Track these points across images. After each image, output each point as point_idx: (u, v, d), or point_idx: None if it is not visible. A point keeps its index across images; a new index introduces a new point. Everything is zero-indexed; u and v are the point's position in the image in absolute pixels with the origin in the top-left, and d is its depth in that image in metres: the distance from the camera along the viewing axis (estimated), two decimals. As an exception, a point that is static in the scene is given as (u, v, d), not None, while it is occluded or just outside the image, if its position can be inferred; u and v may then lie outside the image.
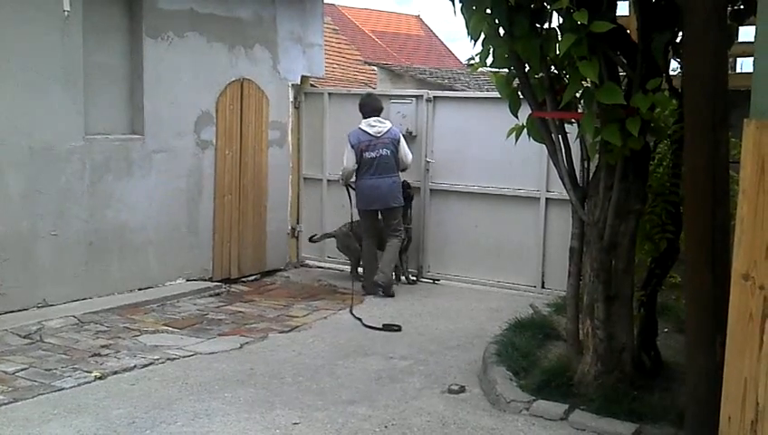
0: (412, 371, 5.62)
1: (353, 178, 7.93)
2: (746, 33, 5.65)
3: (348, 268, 8.48)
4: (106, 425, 4.51)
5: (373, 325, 6.76)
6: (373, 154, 7.75)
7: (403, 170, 8.03)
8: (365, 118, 7.89)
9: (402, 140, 7.95)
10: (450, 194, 8.34)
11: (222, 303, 7.55)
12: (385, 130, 7.84)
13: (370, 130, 7.80)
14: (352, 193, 8.06)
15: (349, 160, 7.82)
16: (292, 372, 5.52)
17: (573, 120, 4.91)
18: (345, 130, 8.11)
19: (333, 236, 8.49)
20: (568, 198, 5.09)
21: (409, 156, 7.99)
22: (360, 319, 6.96)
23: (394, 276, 8.07)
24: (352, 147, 7.78)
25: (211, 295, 7.74)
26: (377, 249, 8.01)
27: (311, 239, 8.78)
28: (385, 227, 8.00)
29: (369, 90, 11.58)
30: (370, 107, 7.94)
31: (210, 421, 4.61)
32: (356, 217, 8.12)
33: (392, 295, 7.79)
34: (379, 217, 7.97)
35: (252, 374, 5.46)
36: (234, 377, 5.39)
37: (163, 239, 7.76)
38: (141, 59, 7.45)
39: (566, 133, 4.97)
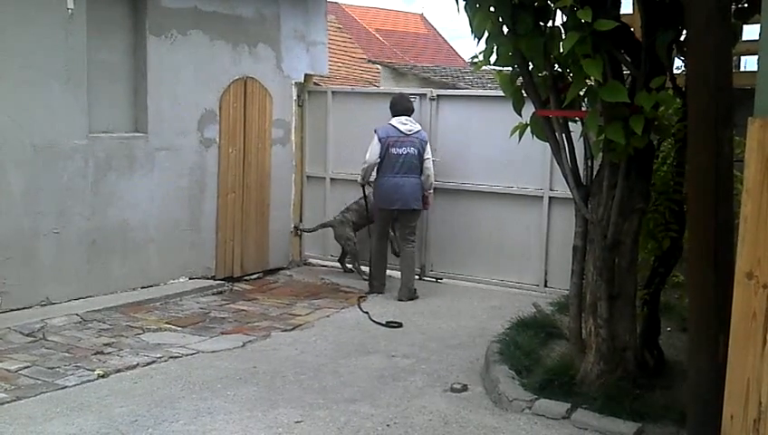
0: (414, 369, 5.62)
1: (373, 177, 7.81)
2: (750, 32, 5.64)
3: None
4: (108, 423, 4.52)
5: (378, 321, 6.83)
6: (401, 151, 7.62)
7: (429, 186, 7.84)
8: (395, 116, 7.77)
9: (429, 145, 7.81)
10: (453, 192, 8.32)
11: (225, 301, 7.55)
12: (416, 130, 7.73)
13: (402, 128, 7.68)
14: (369, 192, 8.01)
15: (372, 154, 7.67)
16: (295, 371, 5.52)
17: (577, 119, 4.90)
18: (349, 129, 8.10)
19: (330, 226, 8.45)
20: (571, 196, 5.08)
21: (431, 167, 7.76)
22: (367, 312, 7.05)
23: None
24: (380, 140, 7.64)
25: (214, 294, 7.75)
26: (386, 251, 7.98)
27: (303, 230, 8.92)
28: (400, 230, 7.91)
29: (372, 88, 11.56)
30: (402, 106, 7.84)
31: (212, 420, 4.61)
32: (368, 218, 8.14)
33: (416, 297, 7.74)
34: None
35: (254, 373, 5.46)
36: (236, 375, 5.39)
37: (166, 237, 7.77)
38: (145, 57, 7.46)
39: (570, 132, 4.96)
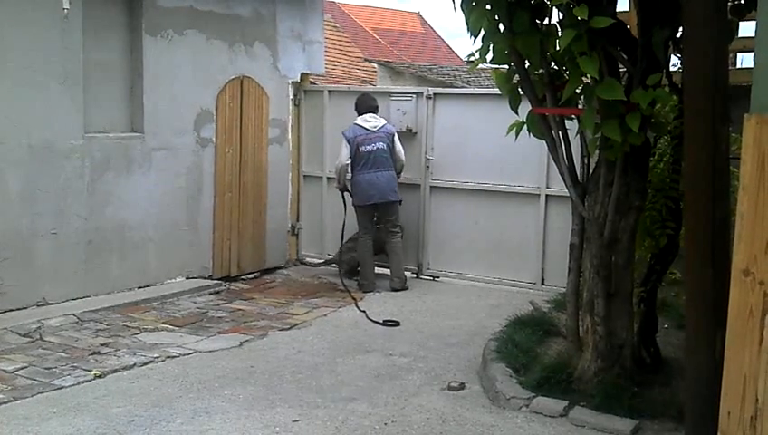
0: (412, 368, 5.62)
1: (349, 175, 7.97)
2: (746, 29, 5.64)
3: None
4: (105, 423, 4.51)
5: (375, 319, 6.84)
6: (370, 148, 7.82)
7: (400, 170, 8.06)
8: (360, 115, 7.97)
9: (396, 136, 8.01)
10: (450, 191, 8.32)
11: (222, 301, 7.54)
12: (380, 125, 7.93)
13: (366, 125, 7.88)
14: (347, 196, 8.13)
15: (343, 155, 7.88)
16: (292, 370, 5.52)
17: (573, 116, 4.90)
18: (345, 128, 8.11)
19: (335, 263, 8.49)
20: (568, 194, 5.08)
21: (402, 153, 8.04)
22: (364, 311, 7.06)
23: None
24: (348, 141, 7.85)
25: (211, 293, 7.74)
26: (372, 245, 8.03)
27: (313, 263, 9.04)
28: (383, 224, 8.02)
29: (369, 87, 11.59)
30: (366, 105, 8.03)
31: (210, 419, 4.60)
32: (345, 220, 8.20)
33: (407, 288, 7.97)
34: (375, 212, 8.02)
35: (252, 372, 5.46)
36: (233, 375, 5.38)
37: (163, 237, 7.76)
38: (141, 57, 7.44)
39: (566, 129, 4.96)
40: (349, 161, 7.86)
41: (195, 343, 6.08)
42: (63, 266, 6.95)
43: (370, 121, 7.90)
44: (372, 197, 7.87)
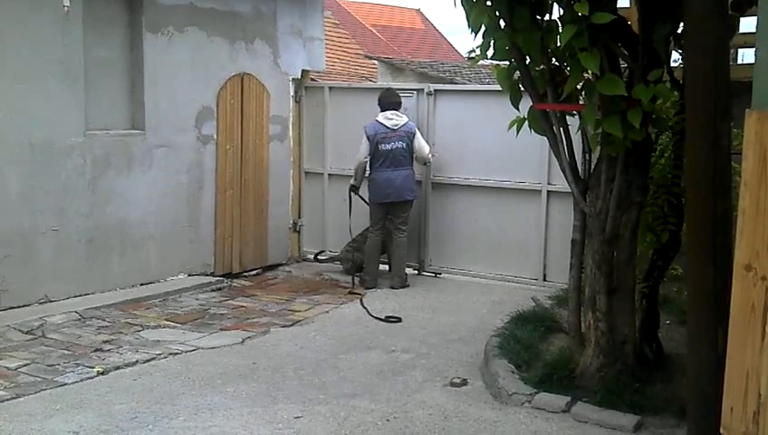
0: (414, 364, 5.63)
1: (367, 172, 7.97)
2: (747, 24, 5.63)
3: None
4: (108, 420, 4.52)
5: (377, 316, 6.86)
6: (389, 146, 7.79)
7: (424, 164, 8.10)
8: (382, 111, 7.92)
9: (418, 133, 7.98)
10: (451, 187, 8.33)
11: (224, 297, 7.55)
12: (402, 123, 7.87)
13: (387, 123, 7.84)
14: (354, 197, 8.16)
15: (362, 152, 7.88)
16: (294, 367, 5.53)
17: (575, 112, 4.90)
18: (346, 124, 8.11)
19: (339, 260, 8.56)
20: (569, 190, 5.09)
21: (426, 148, 7.99)
22: (366, 308, 7.08)
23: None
24: (368, 138, 7.82)
25: (213, 290, 7.75)
26: (380, 245, 8.04)
27: (317, 258, 8.96)
28: (393, 221, 7.98)
29: (369, 84, 11.55)
30: (388, 101, 7.98)
31: (212, 416, 4.61)
32: (354, 224, 8.20)
33: (407, 285, 7.97)
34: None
35: (254, 369, 5.47)
36: (236, 371, 5.39)
37: (164, 234, 7.76)
38: (141, 54, 7.44)
39: (567, 125, 4.97)
40: (367, 159, 7.86)
41: (197, 340, 6.09)
42: (65, 264, 6.96)
43: (392, 120, 7.84)
44: (389, 195, 7.84)
